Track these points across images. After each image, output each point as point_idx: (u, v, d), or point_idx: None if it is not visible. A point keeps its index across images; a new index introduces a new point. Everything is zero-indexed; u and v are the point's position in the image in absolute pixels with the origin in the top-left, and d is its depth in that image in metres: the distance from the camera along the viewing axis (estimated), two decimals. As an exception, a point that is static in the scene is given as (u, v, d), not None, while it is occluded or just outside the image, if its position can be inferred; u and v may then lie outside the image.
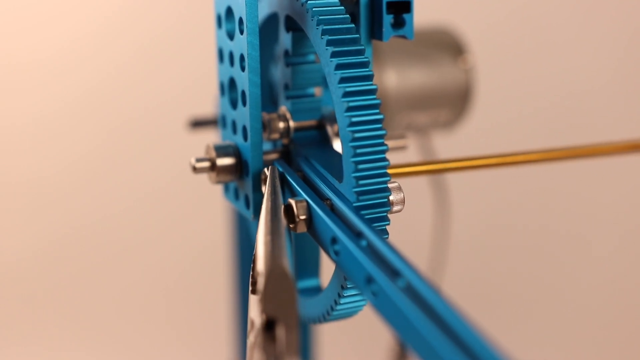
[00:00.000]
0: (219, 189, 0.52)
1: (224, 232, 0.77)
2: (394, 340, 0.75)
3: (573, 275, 1.13)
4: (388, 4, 0.38)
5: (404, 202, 0.36)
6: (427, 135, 0.65)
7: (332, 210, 0.35)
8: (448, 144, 0.75)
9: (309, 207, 0.36)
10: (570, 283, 1.13)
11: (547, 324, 1.11)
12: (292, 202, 0.36)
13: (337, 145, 0.41)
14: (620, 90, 1.09)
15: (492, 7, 1.07)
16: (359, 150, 0.34)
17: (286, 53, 0.40)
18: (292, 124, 0.41)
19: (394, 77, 0.57)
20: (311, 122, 0.42)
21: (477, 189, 1.09)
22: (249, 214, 0.41)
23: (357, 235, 0.33)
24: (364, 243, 0.32)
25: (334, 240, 0.34)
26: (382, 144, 0.34)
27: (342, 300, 0.36)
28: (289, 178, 0.38)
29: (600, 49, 1.09)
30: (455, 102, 0.59)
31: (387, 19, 0.39)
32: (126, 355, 1.05)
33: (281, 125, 0.41)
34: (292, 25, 0.40)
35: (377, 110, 0.34)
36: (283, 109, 0.42)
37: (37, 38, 1.03)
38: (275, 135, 0.41)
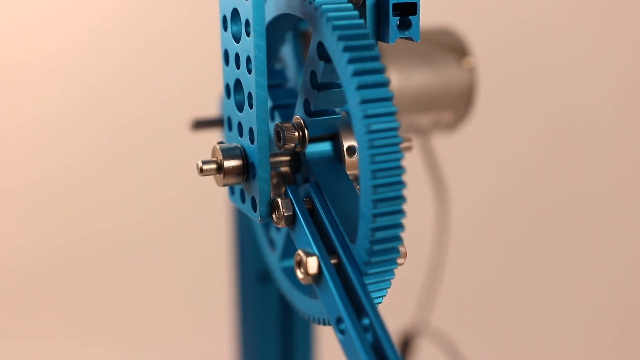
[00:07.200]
0: (221, 190, 0.52)
1: (227, 233, 0.77)
2: (396, 339, 0.75)
3: (573, 274, 1.13)
4: (394, 5, 0.38)
5: (406, 255, 0.36)
6: (428, 135, 0.65)
7: (339, 272, 0.36)
8: (448, 144, 0.75)
9: (319, 265, 0.36)
10: (570, 281, 1.13)
11: (547, 323, 1.11)
12: (302, 255, 0.36)
13: (350, 167, 0.41)
14: (622, 92, 1.10)
15: (493, 9, 1.07)
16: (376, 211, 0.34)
17: (313, 75, 0.39)
18: (307, 133, 0.40)
19: (396, 78, 0.57)
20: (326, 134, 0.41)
21: (477, 187, 1.09)
22: (255, 217, 0.41)
23: (359, 311, 0.34)
24: (366, 321, 0.34)
25: (339, 320, 0.35)
26: (400, 201, 0.34)
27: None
28: (298, 214, 0.38)
29: (602, 51, 1.09)
30: (457, 104, 0.59)
31: (394, 21, 0.38)
32: (127, 355, 1.05)
33: (296, 134, 0.40)
34: (325, 54, 0.37)
35: (399, 167, 0.34)
36: (297, 117, 0.41)
37: (39, 39, 1.03)
38: (290, 145, 0.40)
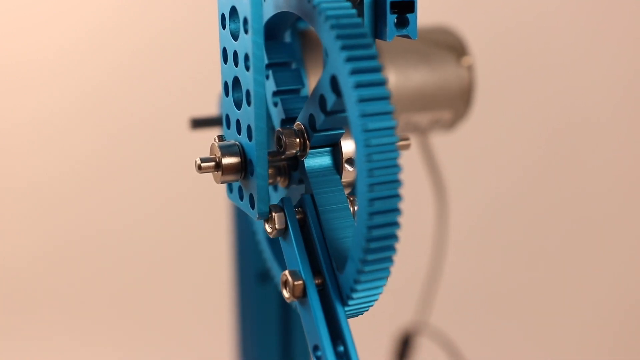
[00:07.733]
0: (220, 190, 0.53)
1: (227, 232, 0.78)
2: (396, 339, 0.75)
3: (573, 274, 1.13)
4: (392, 3, 0.38)
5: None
6: (426, 134, 0.65)
7: (321, 292, 0.37)
8: (447, 143, 0.75)
9: (304, 289, 0.37)
10: (569, 281, 1.13)
11: (547, 323, 1.11)
12: (289, 278, 0.37)
13: (347, 170, 0.41)
14: (621, 92, 1.10)
15: (492, 8, 1.07)
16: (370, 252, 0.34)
17: (323, 99, 0.38)
18: (309, 143, 0.40)
19: (394, 77, 0.57)
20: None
21: (476, 186, 1.09)
22: (253, 214, 0.41)
23: (336, 337, 0.35)
24: (340, 348, 0.35)
25: (316, 348, 0.36)
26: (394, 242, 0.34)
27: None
28: (290, 230, 0.39)
29: (602, 51, 1.09)
30: (456, 103, 0.59)
31: (391, 19, 0.39)
32: (127, 355, 1.05)
33: (297, 141, 0.40)
34: (338, 88, 0.37)
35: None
36: (299, 124, 0.40)
37: (39, 39, 1.03)
38: (291, 152, 0.40)
